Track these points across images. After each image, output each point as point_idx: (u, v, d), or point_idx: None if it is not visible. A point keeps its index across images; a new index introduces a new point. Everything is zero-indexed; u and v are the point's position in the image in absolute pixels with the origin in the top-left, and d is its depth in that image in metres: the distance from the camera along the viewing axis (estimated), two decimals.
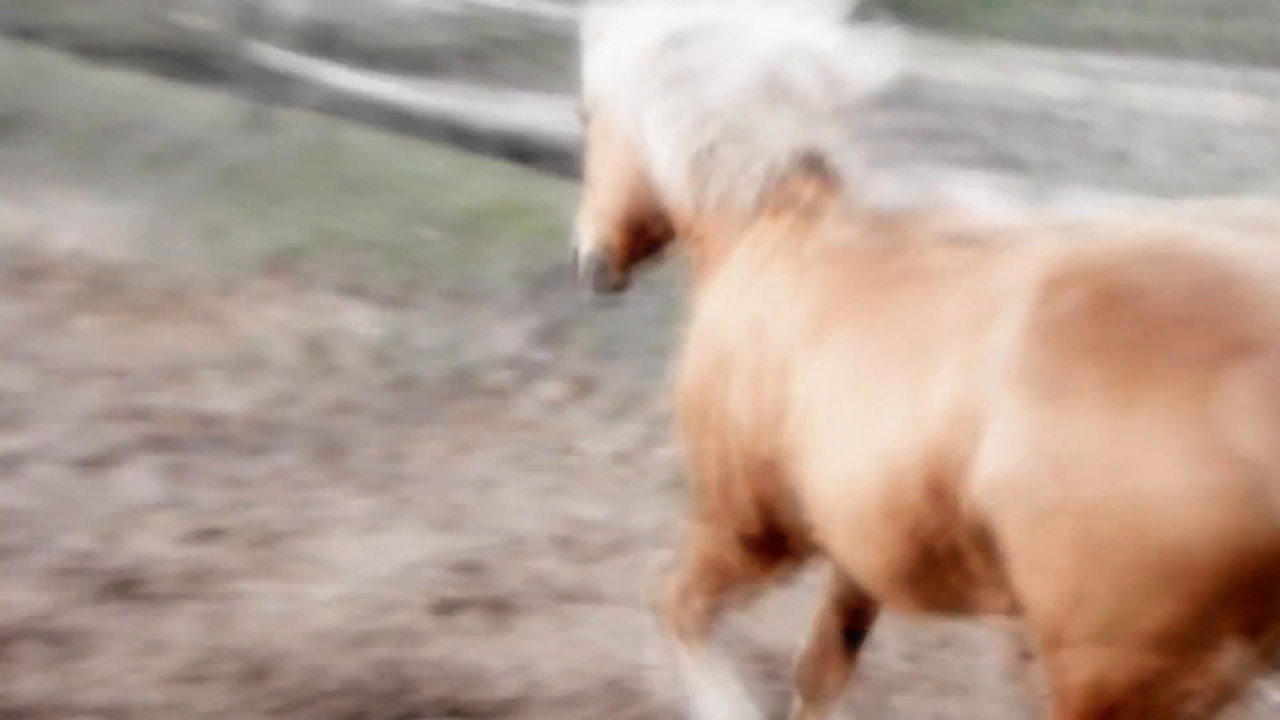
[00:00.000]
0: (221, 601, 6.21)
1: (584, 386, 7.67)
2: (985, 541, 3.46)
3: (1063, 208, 6.83)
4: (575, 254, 5.08)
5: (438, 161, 10.42)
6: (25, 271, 10.29)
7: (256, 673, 5.67)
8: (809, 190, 4.25)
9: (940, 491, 3.52)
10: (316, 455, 7.63)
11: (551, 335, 8.09)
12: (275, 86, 10.95)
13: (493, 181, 9.96)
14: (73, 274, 10.15)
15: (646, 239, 4.88)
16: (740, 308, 4.21)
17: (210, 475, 7.39)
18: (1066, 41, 10.69)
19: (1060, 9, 18.03)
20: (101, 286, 9.97)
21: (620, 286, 5.09)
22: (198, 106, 11.73)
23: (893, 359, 3.68)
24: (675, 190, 4.54)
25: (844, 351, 3.84)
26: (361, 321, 8.88)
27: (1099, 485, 3.24)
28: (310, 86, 10.98)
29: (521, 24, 11.71)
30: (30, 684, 5.64)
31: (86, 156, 11.19)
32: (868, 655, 4.83)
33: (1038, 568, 3.36)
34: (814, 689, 4.68)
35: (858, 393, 3.76)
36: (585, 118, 4.95)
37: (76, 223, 10.62)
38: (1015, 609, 3.55)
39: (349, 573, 6.41)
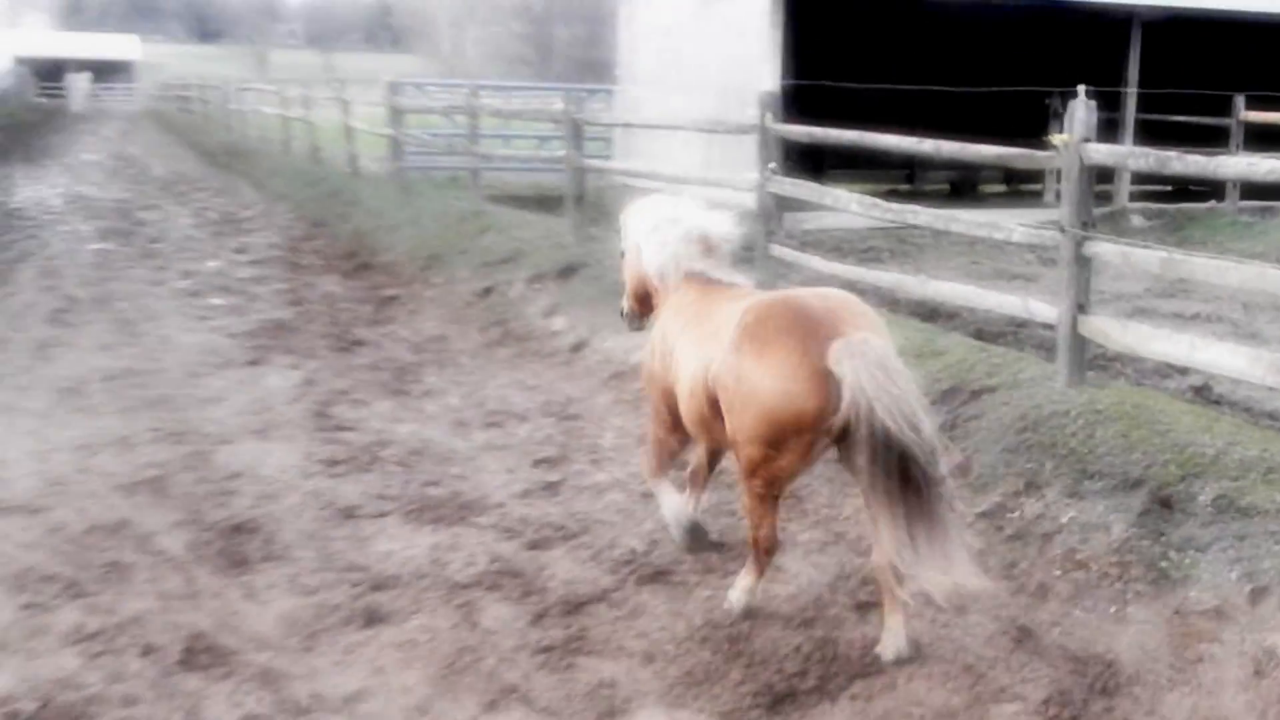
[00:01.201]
0: (719, 590, 6.47)
1: (962, 467, 7.66)
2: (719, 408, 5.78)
3: None
4: (621, 311, 7.40)
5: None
6: (617, 374, 10.73)
7: (739, 637, 5.95)
8: (689, 285, 6.54)
9: (707, 390, 5.85)
10: (787, 499, 7.75)
11: (942, 431, 8.07)
12: (777, 267, 11.27)
13: (912, 332, 10.03)
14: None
15: (643, 305, 7.06)
16: (661, 329, 6.51)
17: (720, 508, 7.63)
18: None
19: None
20: None
21: (641, 326, 7.23)
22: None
23: (698, 342, 6.04)
24: (653, 284, 6.79)
25: (686, 342, 6.16)
26: None
27: (747, 382, 5.55)
28: (804, 269, 11.27)
29: (928, 233, 11.83)
30: (597, 632, 6.06)
31: None
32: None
33: (737, 416, 5.63)
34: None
35: (688, 356, 6.10)
36: (623, 254, 7.20)
37: (648, 345, 11.03)
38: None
39: (800, 578, 6.63)
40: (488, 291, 13.84)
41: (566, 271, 13.19)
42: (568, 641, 5.92)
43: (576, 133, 14.40)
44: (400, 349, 11.89)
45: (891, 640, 5.70)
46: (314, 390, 10.43)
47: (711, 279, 6.52)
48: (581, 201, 14.36)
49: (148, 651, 5.74)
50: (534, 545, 7.11)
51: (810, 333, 5.41)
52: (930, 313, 11.68)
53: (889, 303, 11.66)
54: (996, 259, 16.02)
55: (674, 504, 6.82)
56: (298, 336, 12.36)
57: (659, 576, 6.66)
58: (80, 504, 7.65)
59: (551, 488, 8.09)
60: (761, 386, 5.46)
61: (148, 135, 42.88)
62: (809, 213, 15.66)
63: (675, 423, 6.45)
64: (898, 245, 17.13)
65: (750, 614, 6.15)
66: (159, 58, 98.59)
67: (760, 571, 6.09)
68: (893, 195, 11.30)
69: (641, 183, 21.22)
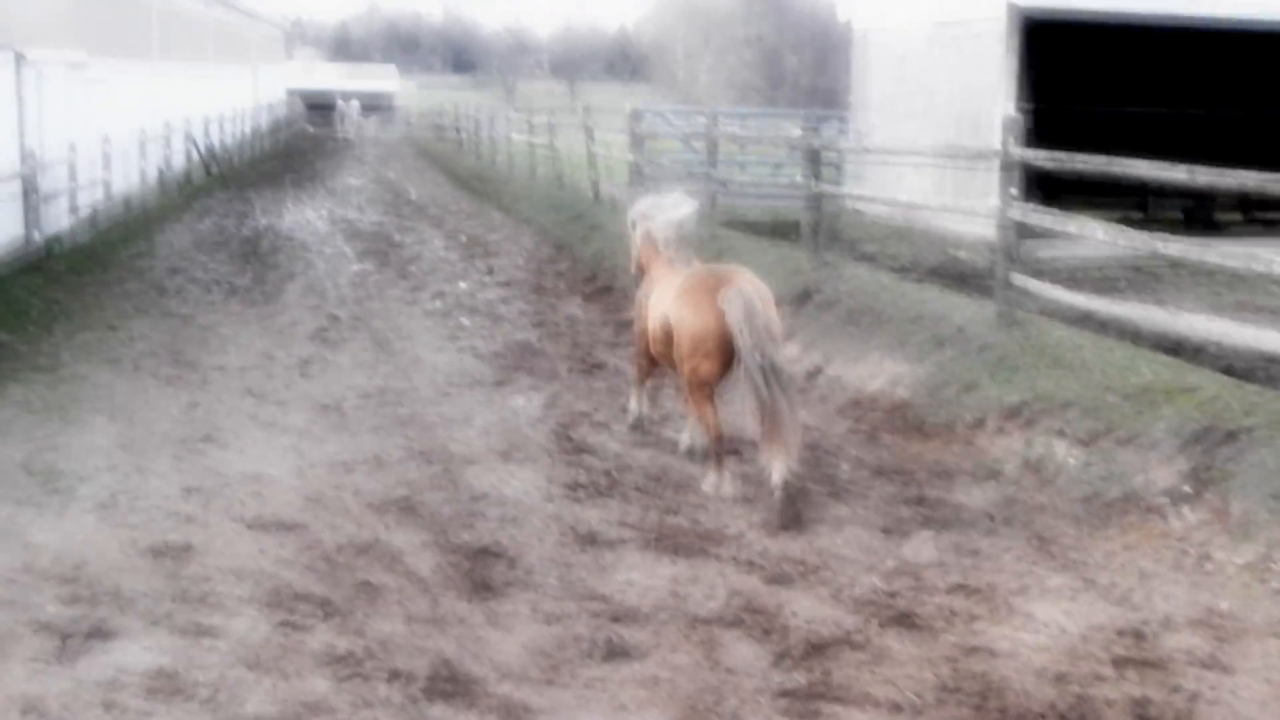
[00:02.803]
0: (966, 637, 6.04)
1: (1220, 513, 7.05)
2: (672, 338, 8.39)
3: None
4: (631, 271, 9.97)
5: (1117, 350, 9.90)
6: (853, 402, 10.32)
7: (986, 691, 5.48)
8: (663, 262, 9.14)
9: (662, 326, 8.45)
10: (1030, 540, 7.30)
11: (1196, 474, 7.48)
12: (1016, 297, 10.68)
13: (1157, 367, 9.37)
14: (881, 406, 10.10)
15: (641, 268, 9.52)
16: (646, 291, 9.11)
17: (961, 548, 7.19)
18: None
19: None
20: (897, 416, 9.87)
21: (639, 282, 9.51)
22: (966, 307, 11.53)
23: (660, 299, 8.64)
24: (643, 256, 9.49)
25: (655, 299, 8.77)
26: (1063, 452, 8.41)
27: (679, 320, 8.23)
28: (1038, 298, 10.69)
29: (1164, 263, 11.09)
30: (841, 676, 5.66)
31: (900, 334, 11.08)
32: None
33: (678, 342, 8.26)
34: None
35: (654, 307, 8.68)
36: (632, 231, 9.64)
37: (886, 374, 10.54)
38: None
39: (1050, 627, 6.11)
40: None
41: (802, 298, 12.76)
42: (811, 686, 5.53)
43: (814, 160, 13.97)
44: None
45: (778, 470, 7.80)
46: (556, 412, 10.27)
47: (676, 258, 9.10)
48: (818, 228, 13.92)
49: (395, 677, 5.56)
50: (774, 580, 6.74)
51: (714, 289, 8.14)
52: (1174, 346, 10.93)
53: (1130, 335, 10.95)
54: (1238, 291, 15.04)
55: (635, 406, 9.72)
56: (541, 358, 12.26)
57: (903, 619, 6.21)
58: (335, 521, 7.59)
59: (792, 519, 7.69)
60: (691, 323, 8.22)
61: (406, 161, 43.95)
62: (1041, 240, 14.92)
63: (646, 351, 9.13)
64: (1134, 275, 16.27)
65: (1000, 662, 5.70)
66: (417, 89, 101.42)
67: (719, 459, 8.32)
68: (1125, 224, 10.63)
69: (877, 208, 20.74)
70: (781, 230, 19.44)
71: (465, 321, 14.25)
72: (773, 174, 25.85)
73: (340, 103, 63.36)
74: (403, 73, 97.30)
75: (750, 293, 8.01)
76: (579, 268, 18.12)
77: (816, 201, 13.86)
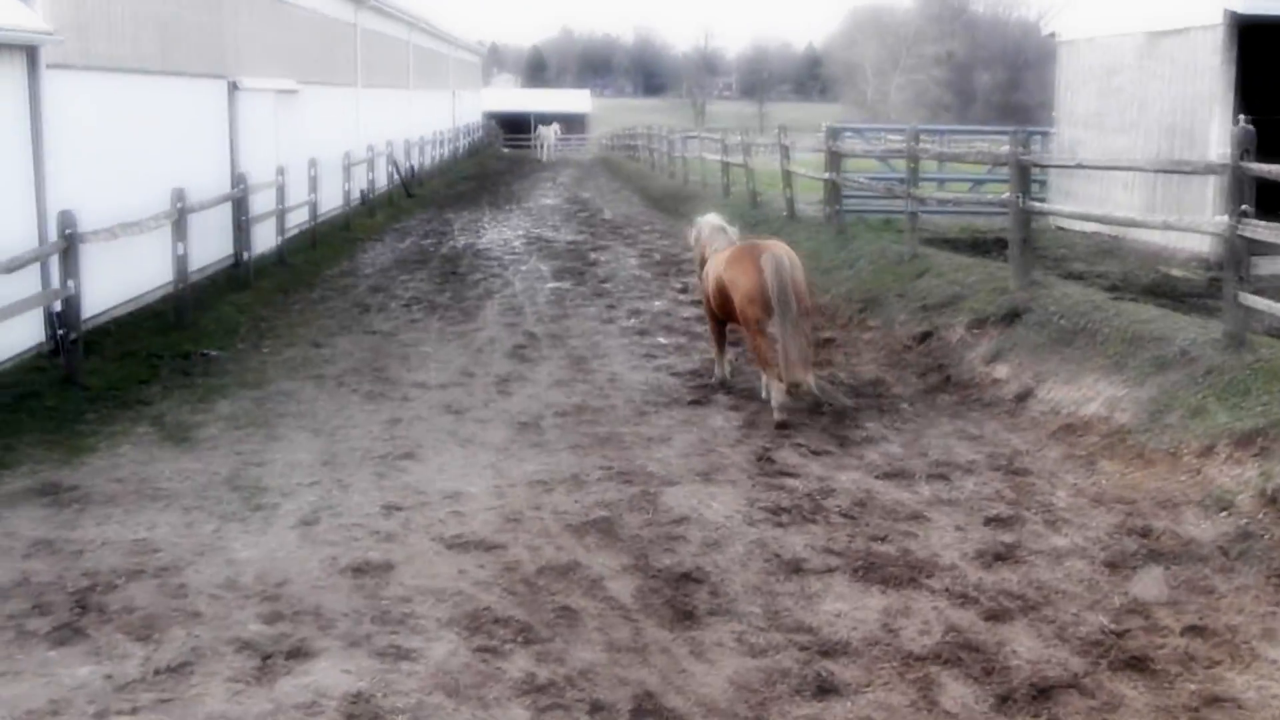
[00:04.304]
0: (1207, 684, 5.54)
1: None
2: (727, 295, 10.99)
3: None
4: (695, 267, 13.22)
5: None
6: (1067, 427, 9.74)
7: None
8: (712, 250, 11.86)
9: (716, 286, 11.23)
10: (1270, 578, 6.66)
11: None
12: (1245, 316, 9.98)
13: None
14: (1098, 431, 9.50)
15: (701, 262, 12.13)
16: (707, 267, 11.66)
17: (1195, 585, 6.64)
18: None
19: None
20: (1116, 441, 9.26)
21: (700, 271, 12.34)
22: (1187, 327, 10.81)
23: (714, 266, 11.38)
24: (702, 250, 12.13)
25: (711, 267, 11.49)
26: None
27: (731, 280, 10.86)
28: (1267, 317, 9.98)
29: None
30: None
31: (1116, 355, 10.44)
32: None
33: (733, 298, 10.84)
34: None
35: (711, 273, 11.41)
36: (694, 242, 12.55)
37: (1102, 397, 9.93)
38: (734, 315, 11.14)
39: None
40: (926, 336, 13.04)
41: (1009, 317, 12.20)
42: None
43: (1023, 175, 13.35)
44: (838, 393, 11.28)
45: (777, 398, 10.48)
46: (755, 432, 9.98)
47: (726, 244, 11.64)
48: (1025, 245, 13.30)
49: (596, 709, 5.32)
50: (991, 616, 6.31)
51: (756, 255, 10.68)
52: None
53: None
54: None
55: (721, 367, 11.86)
56: (738, 377, 11.97)
57: (1135, 663, 5.73)
58: (534, 542, 7.41)
59: (1006, 550, 7.25)
60: (740, 281, 10.67)
61: (598, 181, 44.16)
62: (1262, 258, 14.03)
63: (713, 315, 11.62)
64: None
65: (1247, 715, 5.18)
66: (608, 110, 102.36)
67: (778, 375, 10.44)
68: None
69: (1089, 225, 19.93)
70: (980, 246, 18.82)
71: (662, 340, 14.06)
72: (972, 189, 25.13)
73: (541, 128, 64.19)
74: (594, 94, 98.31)
75: (781, 256, 10.61)
76: None
77: (1025, 218, 13.25)
